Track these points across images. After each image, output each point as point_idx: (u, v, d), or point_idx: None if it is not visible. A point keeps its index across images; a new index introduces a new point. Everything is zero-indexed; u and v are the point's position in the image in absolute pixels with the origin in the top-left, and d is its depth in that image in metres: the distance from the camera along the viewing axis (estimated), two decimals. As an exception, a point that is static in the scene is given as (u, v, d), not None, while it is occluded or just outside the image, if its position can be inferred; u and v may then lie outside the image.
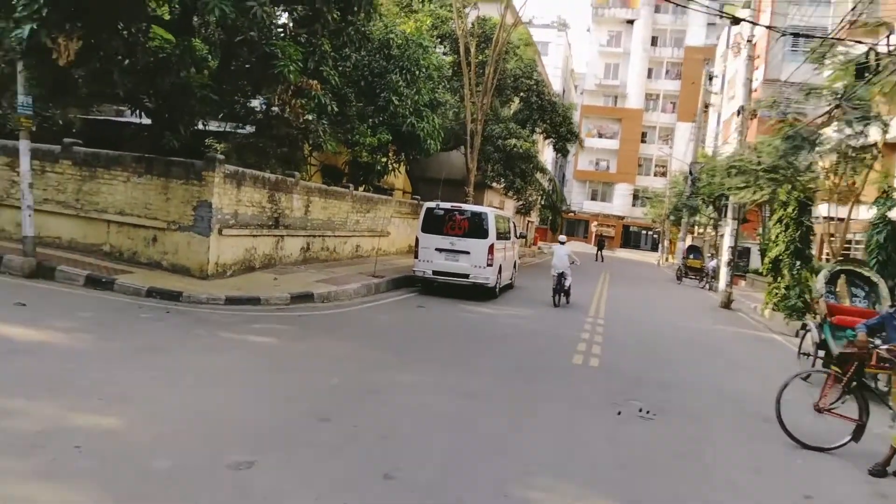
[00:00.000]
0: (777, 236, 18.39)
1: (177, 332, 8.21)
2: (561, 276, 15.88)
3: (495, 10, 29.15)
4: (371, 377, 7.14)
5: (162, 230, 12.32)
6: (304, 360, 7.57)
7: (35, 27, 8.22)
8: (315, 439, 5.11)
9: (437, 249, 15.13)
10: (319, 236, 16.93)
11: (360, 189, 20.29)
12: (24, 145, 11.15)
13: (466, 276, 14.94)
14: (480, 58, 26.16)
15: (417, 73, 18.16)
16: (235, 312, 10.15)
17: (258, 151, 15.28)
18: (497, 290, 15.79)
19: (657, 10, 73.86)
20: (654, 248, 67.73)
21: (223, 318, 9.55)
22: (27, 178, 11.19)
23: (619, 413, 6.98)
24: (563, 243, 16.88)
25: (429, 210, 15.49)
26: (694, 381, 9.37)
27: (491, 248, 14.99)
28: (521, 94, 28.82)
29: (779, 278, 18.11)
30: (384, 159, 20.32)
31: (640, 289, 25.75)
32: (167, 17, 12.52)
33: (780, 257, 18.02)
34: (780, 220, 18.45)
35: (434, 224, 15.31)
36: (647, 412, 7.11)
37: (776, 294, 18.17)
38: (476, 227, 15.23)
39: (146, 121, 13.84)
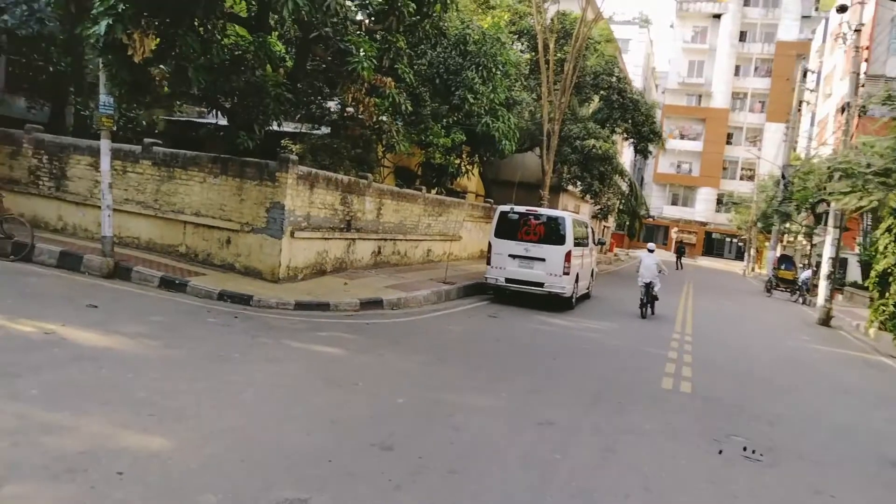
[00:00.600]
0: (886, 247, 16.57)
1: (242, 339, 7.94)
2: (648, 286, 15.02)
3: (575, 4, 28.14)
4: (440, 397, 6.59)
5: (235, 232, 12.26)
6: (370, 375, 7.10)
7: (111, 22, 8.17)
8: (375, 472, 4.59)
9: (510, 256, 14.46)
10: (391, 240, 16.61)
11: (433, 191, 19.87)
12: (104, 145, 11.30)
13: (541, 284, 14.18)
14: (559, 55, 25.26)
15: (494, 69, 17.53)
16: (303, 318, 9.85)
17: (332, 153, 15.12)
18: (573, 300, 14.94)
19: (746, 2, 70.13)
20: (739, 257, 64.22)
21: (290, 325, 9.25)
22: (107, 179, 11.34)
23: (721, 452, 6.11)
24: (651, 251, 15.90)
25: (502, 214, 14.84)
26: (801, 413, 8.30)
27: (568, 255, 14.18)
28: (602, 91, 27.67)
29: (887, 294, 16.31)
30: (457, 161, 19.81)
31: (728, 301, 24.10)
32: (244, 14, 12.46)
33: (890, 270, 16.22)
34: (889, 230, 16.63)
35: (508, 229, 14.64)
36: (754, 452, 6.20)
37: (884, 311, 16.36)
38: (552, 232, 14.45)
39: (225, 121, 13.91)
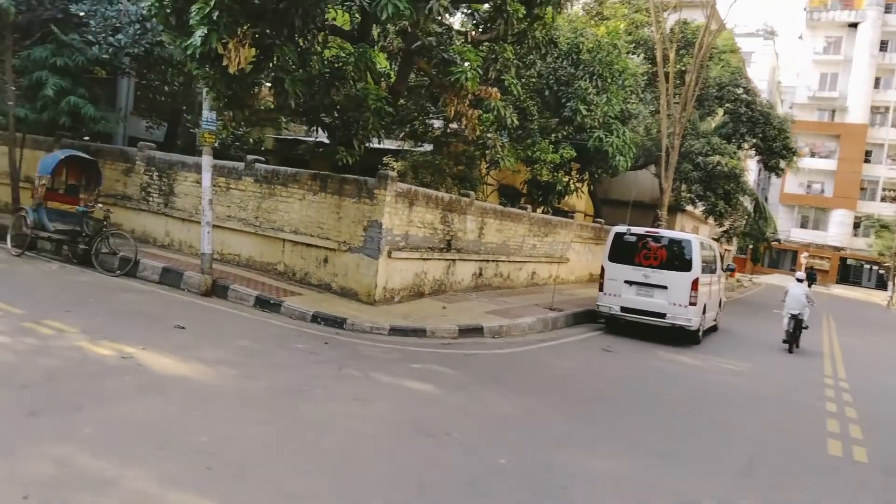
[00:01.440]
0: None
1: (328, 370, 7.18)
2: (795, 319, 13.17)
3: (695, 13, 26.19)
4: (550, 458, 5.42)
5: (333, 251, 11.73)
6: (466, 422, 6.06)
7: (206, 32, 7.83)
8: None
9: (626, 282, 12.98)
10: (493, 261, 15.60)
11: (539, 210, 18.70)
12: (206, 161, 11.15)
13: (662, 315, 12.58)
14: (678, 66, 23.44)
15: (610, 78, 16.20)
16: (397, 346, 9.01)
17: (434, 170, 14.41)
18: (700, 333, 13.20)
19: (888, 9, 63.58)
20: (881, 286, 57.52)
21: (382, 353, 8.43)
22: (207, 195, 11.16)
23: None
24: (800, 281, 13.95)
25: (618, 236, 13.41)
26: None
27: (695, 283, 12.52)
28: (727, 104, 25.39)
29: None
30: (566, 178, 18.55)
31: (877, 337, 20.97)
32: (347, 27, 12.04)
33: None
34: None
35: (624, 252, 13.19)
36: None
37: None
38: (676, 257, 12.84)
39: (325, 138, 13.56)
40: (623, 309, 12.97)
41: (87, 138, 15.99)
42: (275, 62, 9.25)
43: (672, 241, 13.14)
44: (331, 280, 11.79)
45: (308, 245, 12.04)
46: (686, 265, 12.69)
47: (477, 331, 10.84)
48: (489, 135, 12.59)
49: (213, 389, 5.88)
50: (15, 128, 12.69)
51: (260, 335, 8.48)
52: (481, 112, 11.76)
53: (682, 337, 12.86)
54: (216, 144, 11.41)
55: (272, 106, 11.56)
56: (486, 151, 13.31)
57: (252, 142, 16.49)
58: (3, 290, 8.56)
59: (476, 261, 14.78)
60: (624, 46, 18.72)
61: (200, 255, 11.12)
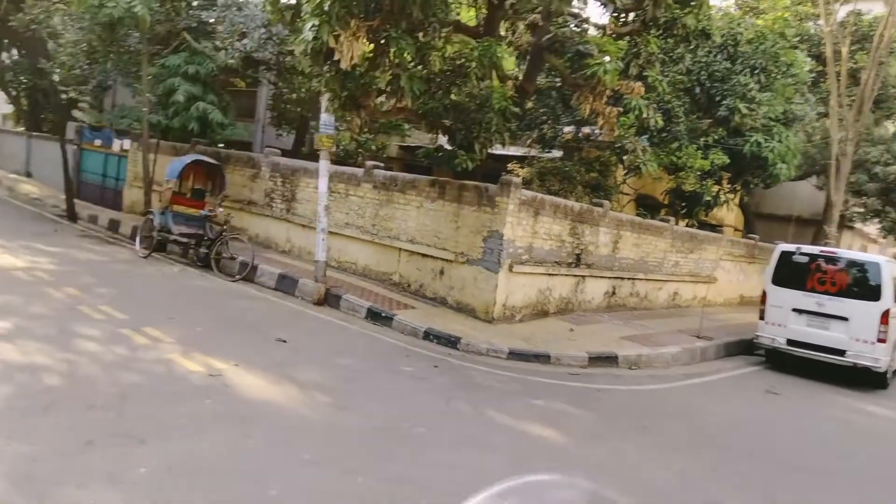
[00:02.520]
0: None
1: (436, 402, 6.17)
2: None
3: (872, 4, 22.72)
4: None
5: (449, 262, 10.81)
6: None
7: (317, 23, 7.19)
8: None
9: (794, 310, 10.88)
10: (628, 279, 13.96)
11: (682, 223, 16.71)
12: (323, 166, 10.67)
13: (842, 352, 10.36)
14: (851, 64, 20.31)
15: (775, 71, 13.98)
16: (516, 374, 7.85)
17: (563, 177, 13.11)
18: (888, 376, 10.78)
19: None
20: None
21: (499, 383, 7.31)
22: (323, 201, 10.66)
23: None
24: None
25: (785, 255, 11.33)
26: None
27: (885, 315, 10.20)
28: (913, 106, 21.71)
29: None
30: (715, 187, 16.42)
31: None
32: (472, 22, 11.13)
33: None
34: None
35: (792, 274, 11.09)
36: None
37: None
38: (859, 282, 10.58)
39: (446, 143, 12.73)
40: (790, 342, 10.87)
41: (221, 145, 16.42)
42: (391, 58, 8.49)
43: (853, 264, 10.88)
44: (446, 294, 10.87)
45: (424, 255, 11.22)
46: (872, 293, 10.40)
47: (610, 360, 9.42)
48: (628, 138, 11.12)
49: (300, 422, 5.05)
50: (149, 133, 13.05)
51: (365, 353, 7.68)
52: (621, 110, 10.33)
53: (863, 379, 10.55)
54: (334, 148, 10.91)
55: (380, 105, 10.85)
56: (625, 156, 11.81)
57: (374, 148, 16.08)
58: (116, 292, 8.45)
59: (609, 278, 13.25)
60: (790, 37, 16.32)
61: (315, 262, 10.63)
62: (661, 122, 11.41)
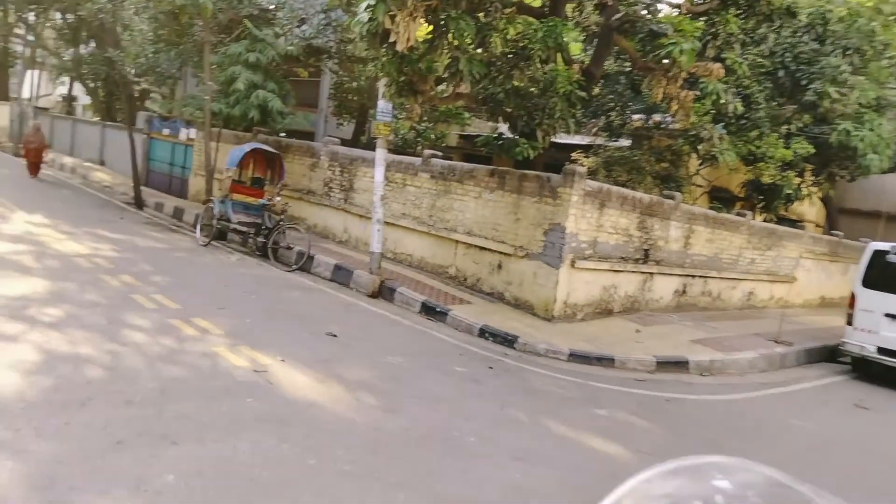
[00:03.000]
0: None
1: (489, 408, 5.77)
2: None
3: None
4: None
5: (508, 256, 10.36)
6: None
7: (373, 3, 6.84)
8: None
9: (888, 315, 9.88)
10: (700, 277, 13.11)
11: (759, 218, 15.62)
12: (380, 155, 10.38)
13: (944, 364, 9.34)
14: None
15: (871, 52, 12.75)
16: (577, 378, 7.35)
17: (631, 167, 12.38)
18: None
19: None
20: None
21: (558, 388, 6.84)
22: (379, 191, 10.38)
23: None
24: None
25: (878, 254, 10.30)
26: None
27: None
28: None
29: None
30: (797, 180, 15.24)
31: None
32: (537, 3, 10.56)
33: None
34: None
35: (885, 276, 10.07)
36: None
37: None
38: (966, 287, 9.50)
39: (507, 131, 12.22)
40: (881, 350, 9.88)
41: (283, 134, 16.44)
42: (449, 40, 8.06)
43: (960, 266, 9.77)
44: (504, 289, 10.43)
45: (481, 248, 10.80)
46: (983, 299, 9.30)
47: (680, 365, 8.77)
48: (704, 125, 10.33)
49: (343, 425, 4.75)
50: (210, 122, 13.12)
51: (417, 350, 7.35)
52: (697, 93, 9.57)
53: (968, 395, 9.48)
54: (392, 137, 10.61)
55: (438, 90, 10.42)
56: (699, 145, 10.99)
57: (434, 137, 15.73)
58: (171, 281, 8.42)
59: (679, 275, 12.47)
60: (888, 13, 14.90)
61: (370, 254, 10.39)
62: (740, 108, 10.55)
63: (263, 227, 11.47)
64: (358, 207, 13.20)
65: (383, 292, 10.20)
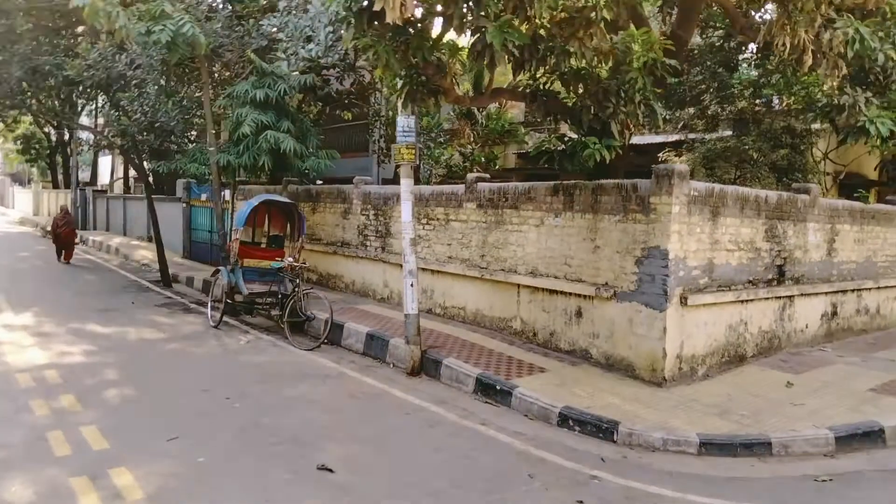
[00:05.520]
0: None
1: None
2: None
3: None
4: None
5: (588, 298, 7.62)
6: None
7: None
8: None
9: None
10: (853, 291, 9.82)
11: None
12: (405, 186, 7.99)
13: None
14: None
15: None
16: (721, 489, 4.50)
17: (741, 159, 9.36)
18: None
19: None
20: None
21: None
22: (408, 232, 7.94)
23: None
24: None
25: None
26: None
27: None
28: None
29: None
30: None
31: None
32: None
33: None
34: None
35: None
36: None
37: None
38: None
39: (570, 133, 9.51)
40: None
41: (320, 182, 14.48)
42: (468, 4, 5.60)
43: None
44: (588, 344, 7.67)
45: (551, 291, 8.11)
46: None
47: (872, 437, 5.76)
48: (844, 88, 7.32)
49: None
50: (219, 177, 11.22)
51: (462, 477, 4.72)
52: (833, 42, 6.59)
53: None
54: (417, 163, 8.20)
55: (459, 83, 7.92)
56: (838, 116, 7.87)
57: (485, 160, 13.25)
58: (131, 394, 6.26)
59: (826, 293, 9.25)
60: None
61: (405, 317, 7.91)
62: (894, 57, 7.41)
63: (280, 296, 9.29)
64: (396, 255, 10.77)
65: (426, 366, 7.69)
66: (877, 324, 10.42)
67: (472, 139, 14.43)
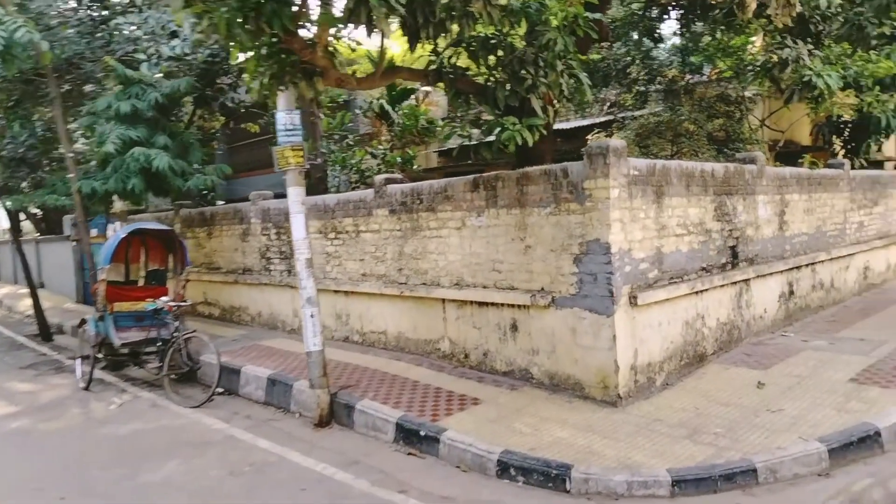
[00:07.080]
0: None
1: None
2: None
3: None
4: None
5: (523, 308, 6.41)
6: None
7: None
8: None
9: None
10: (807, 265, 9.00)
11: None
12: (293, 196, 6.60)
13: None
14: None
15: None
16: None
17: (676, 133, 8.39)
18: None
19: None
20: None
21: None
22: (303, 251, 6.54)
23: None
24: None
25: None
26: None
27: None
28: None
29: None
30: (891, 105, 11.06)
31: None
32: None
33: None
34: None
35: None
36: None
37: None
38: None
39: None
40: None
41: (221, 202, 12.84)
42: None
43: None
44: (527, 362, 6.46)
45: (480, 304, 6.86)
46: None
47: (868, 442, 4.78)
48: (785, 41, 6.39)
49: None
50: (82, 206, 9.48)
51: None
52: None
53: None
54: (307, 166, 6.80)
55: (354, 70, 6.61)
56: (782, 72, 6.96)
57: (402, 160, 11.93)
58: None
59: (781, 271, 8.36)
60: None
61: (307, 355, 6.48)
62: (836, 2, 6.52)
63: (160, 344, 7.69)
64: (306, 277, 9.35)
65: (337, 413, 6.31)
66: (832, 298, 9.66)
67: (389, 140, 13.11)
